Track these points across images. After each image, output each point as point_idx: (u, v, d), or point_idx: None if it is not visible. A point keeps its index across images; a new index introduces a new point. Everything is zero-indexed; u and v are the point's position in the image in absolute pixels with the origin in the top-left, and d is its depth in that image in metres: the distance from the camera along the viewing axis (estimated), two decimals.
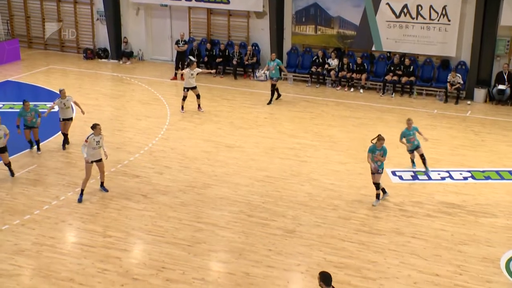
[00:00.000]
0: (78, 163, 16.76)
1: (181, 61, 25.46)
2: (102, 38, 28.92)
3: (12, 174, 16.07)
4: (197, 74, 21.22)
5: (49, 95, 22.82)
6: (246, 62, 25.63)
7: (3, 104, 21.77)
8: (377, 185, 14.64)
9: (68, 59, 28.49)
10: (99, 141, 14.77)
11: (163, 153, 17.72)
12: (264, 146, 18.35)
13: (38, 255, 12.50)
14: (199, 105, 21.32)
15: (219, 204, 14.75)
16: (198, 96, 21.23)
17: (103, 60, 28.55)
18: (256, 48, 26.05)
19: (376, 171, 14.45)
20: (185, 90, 21.11)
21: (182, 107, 21.21)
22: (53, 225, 13.74)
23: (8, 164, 16.05)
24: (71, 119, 18.00)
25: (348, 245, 12.94)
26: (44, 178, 15.95)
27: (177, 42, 25.75)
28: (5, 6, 29.93)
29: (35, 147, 17.80)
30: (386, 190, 14.98)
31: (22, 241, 12.98)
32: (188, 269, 12.07)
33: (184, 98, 21.13)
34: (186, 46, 25.79)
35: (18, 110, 21.06)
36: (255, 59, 25.70)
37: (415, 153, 16.40)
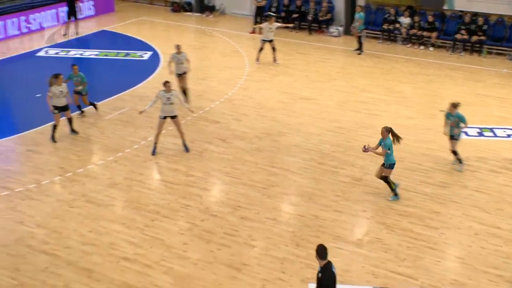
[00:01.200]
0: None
1: (260, 15, 25.26)
2: None
3: (72, 131, 15.46)
4: (276, 28, 21.03)
5: (140, 45, 23.21)
6: (321, 18, 25.16)
7: (99, 52, 22.28)
8: (454, 153, 13.82)
9: (156, 12, 28.74)
10: (169, 98, 14.09)
11: (241, 102, 17.81)
12: (337, 99, 18.14)
13: (129, 189, 12.97)
14: (274, 58, 21.20)
15: (292, 151, 14.79)
16: (274, 49, 21.09)
17: (188, 13, 28.66)
18: (331, 4, 25.50)
19: (450, 137, 13.69)
20: (262, 42, 21.02)
21: (257, 59, 21.16)
22: (141, 163, 14.15)
23: (70, 120, 15.40)
24: (183, 73, 17.10)
25: (413, 195, 12.78)
26: (134, 120, 16.36)
27: None
28: None
29: (82, 112, 16.62)
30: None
31: (116, 176, 13.46)
32: (262, 210, 12.25)
33: (261, 49, 21.06)
34: (265, 1, 25.52)
35: (112, 57, 21.65)
36: (329, 15, 25.16)
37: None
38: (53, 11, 25.22)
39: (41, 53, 22.07)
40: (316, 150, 14.82)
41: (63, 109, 15.00)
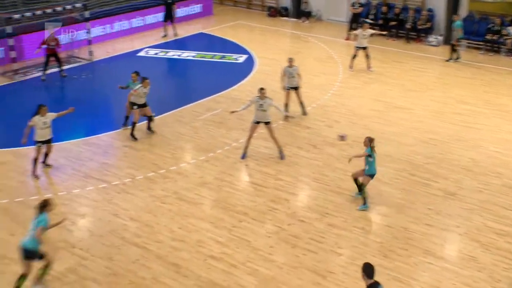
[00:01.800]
0: None
1: (356, 22, 25.02)
2: None
3: (149, 128, 15.53)
4: (369, 35, 20.76)
5: (236, 48, 23.59)
6: (419, 27, 24.57)
7: (196, 53, 22.84)
8: None
9: (254, 16, 29.12)
10: (262, 105, 14.05)
11: (334, 108, 17.70)
12: (433, 110, 17.64)
13: (219, 189, 13.19)
14: (369, 65, 20.93)
15: (383, 161, 14.49)
16: (367, 57, 20.82)
17: (284, 18, 28.82)
18: (431, 13, 24.84)
19: None
20: (356, 49, 20.80)
21: (351, 66, 20.95)
22: (232, 164, 14.36)
23: (149, 118, 15.42)
24: (297, 88, 16.70)
25: (511, 213, 12.20)
26: (226, 122, 16.63)
27: (353, 4, 25.28)
28: None
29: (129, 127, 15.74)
30: None
31: (206, 175, 13.73)
32: (350, 218, 12.11)
33: (354, 56, 20.85)
34: (361, 8, 25.25)
35: (208, 59, 22.13)
36: (429, 24, 24.54)
37: None
38: (155, 14, 26.09)
39: (142, 53, 22.90)
40: (408, 161, 14.48)
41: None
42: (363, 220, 12.05)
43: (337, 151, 14.97)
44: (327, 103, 18.06)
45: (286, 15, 28.89)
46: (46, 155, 13.82)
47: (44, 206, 9.61)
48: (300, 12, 28.37)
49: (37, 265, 9.80)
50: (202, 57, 22.42)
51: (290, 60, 16.61)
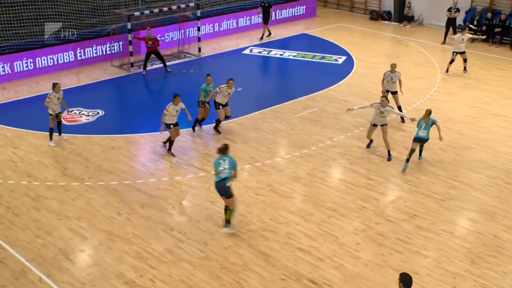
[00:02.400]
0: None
1: (452, 26, 24.07)
2: (388, 2, 28.49)
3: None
4: (467, 39, 19.88)
5: (336, 49, 23.37)
6: None
7: (297, 53, 22.85)
8: None
9: (355, 19, 28.71)
10: (382, 112, 13.94)
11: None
12: None
13: (311, 184, 13.16)
14: (465, 67, 20.09)
15: (476, 167, 13.91)
16: (465, 61, 20.00)
17: (386, 22, 28.19)
18: None
19: None
20: (454, 54, 20.00)
21: (447, 70, 20.17)
22: (324, 161, 14.27)
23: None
24: (395, 92, 16.37)
25: None
26: (322, 120, 16.54)
27: (449, 9, 24.32)
28: None
29: (197, 127, 15.87)
30: None
31: (299, 170, 13.74)
32: (438, 221, 11.71)
33: (452, 61, 20.06)
34: (457, 13, 24.22)
35: (308, 59, 22.09)
36: None
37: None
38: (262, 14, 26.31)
39: (246, 51, 23.22)
40: (503, 169, 13.76)
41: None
42: (452, 225, 11.61)
43: (429, 154, 14.49)
44: (422, 107, 17.47)
45: (388, 19, 28.26)
46: (171, 144, 14.36)
47: (226, 148, 11.02)
48: (403, 16, 27.65)
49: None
50: (303, 57, 22.40)
51: (393, 66, 16.24)
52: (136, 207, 12.12)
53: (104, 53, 21.51)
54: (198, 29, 22.61)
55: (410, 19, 27.48)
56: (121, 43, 21.44)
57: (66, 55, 20.71)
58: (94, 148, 14.75)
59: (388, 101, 14.22)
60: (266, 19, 24.84)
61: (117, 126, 16.32)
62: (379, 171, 13.70)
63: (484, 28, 24.17)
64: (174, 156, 14.31)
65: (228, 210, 11.27)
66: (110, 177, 13.29)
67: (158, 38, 21.17)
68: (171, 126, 14.17)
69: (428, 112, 13.46)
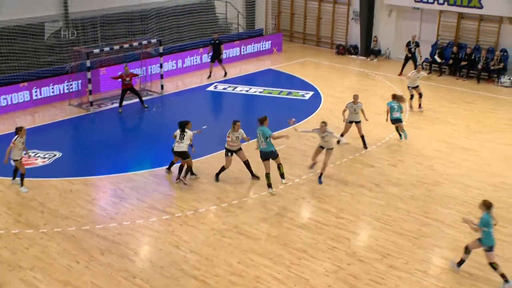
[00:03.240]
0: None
1: (412, 61, 24.88)
2: (354, 36, 29.15)
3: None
4: (422, 76, 20.70)
5: (303, 84, 23.67)
6: (492, 68, 23.94)
7: (263, 89, 23.04)
8: None
9: (322, 53, 29.21)
10: (324, 137, 14.83)
11: (398, 147, 17.39)
12: (501, 153, 17.03)
13: (279, 225, 13.10)
14: (419, 104, 20.70)
15: (447, 202, 14.09)
16: (420, 95, 20.64)
17: (353, 56, 28.77)
18: (505, 54, 24.16)
19: None
20: (410, 89, 20.69)
21: (411, 106, 20.72)
22: (294, 200, 14.27)
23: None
24: (358, 122, 17.15)
25: None
26: (290, 158, 16.59)
27: (407, 44, 25.01)
28: (275, 4, 31.49)
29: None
30: None
31: (267, 210, 13.68)
32: (411, 260, 11.74)
33: (411, 97, 20.67)
34: (418, 48, 25.03)
35: (275, 95, 22.27)
36: (502, 65, 23.87)
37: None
38: (226, 50, 26.53)
39: (211, 88, 23.31)
40: (475, 204, 13.88)
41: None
42: (426, 263, 11.66)
43: (400, 190, 14.64)
44: (391, 141, 17.75)
45: (355, 53, 28.84)
46: (181, 167, 14.89)
47: (265, 119, 14.29)
48: (369, 50, 28.27)
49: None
50: (269, 93, 22.60)
51: (355, 97, 16.89)
52: (95, 254, 11.85)
53: (62, 92, 21.33)
54: (161, 66, 22.64)
55: (377, 53, 28.10)
56: (79, 81, 21.33)
57: (20, 94, 20.47)
58: (50, 192, 14.48)
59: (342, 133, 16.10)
60: (217, 57, 24.28)
61: (75, 168, 16.09)
62: (349, 209, 13.75)
63: (450, 61, 24.84)
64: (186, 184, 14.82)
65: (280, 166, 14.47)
66: (67, 223, 13.02)
67: (135, 73, 21.26)
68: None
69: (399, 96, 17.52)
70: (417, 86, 20.60)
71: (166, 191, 14.68)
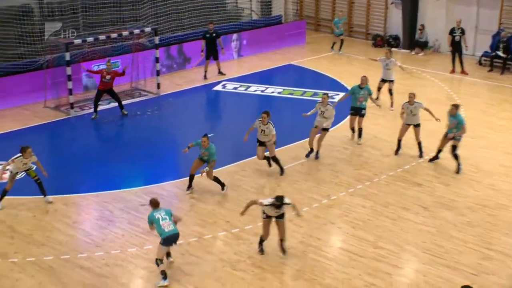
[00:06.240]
0: (353, 161, 17.26)
1: (458, 52, 25.02)
2: (395, 24, 29.23)
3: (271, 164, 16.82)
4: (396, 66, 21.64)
5: (331, 83, 23.74)
6: None
7: (283, 89, 23.15)
8: None
9: (355, 45, 29.34)
10: (323, 111, 17.11)
11: (452, 162, 17.33)
12: None
13: (304, 256, 13.13)
14: (391, 103, 21.28)
15: None
16: (390, 92, 21.36)
17: (393, 49, 28.78)
18: None
19: None
20: (381, 81, 21.52)
21: (392, 104, 21.41)
22: (321, 225, 14.31)
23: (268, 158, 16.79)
24: (417, 125, 17.80)
25: None
26: (317, 173, 16.64)
27: (451, 31, 25.06)
28: None
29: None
30: None
31: (289, 238, 13.65)
32: None
33: (379, 89, 21.71)
34: (463, 36, 25.17)
35: (297, 96, 22.35)
36: None
37: None
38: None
39: (218, 87, 23.45)
40: None
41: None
42: None
43: (454, 215, 14.63)
44: (443, 155, 17.72)
45: (396, 46, 28.90)
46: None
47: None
48: (414, 42, 28.32)
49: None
50: (290, 94, 22.70)
51: (411, 96, 17.43)
52: None
53: (35, 91, 21.51)
54: (157, 60, 22.81)
55: (423, 46, 28.14)
56: (57, 79, 21.50)
57: None
58: (21, 213, 14.62)
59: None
60: (213, 54, 24.27)
61: (53, 184, 16.14)
62: (390, 237, 13.75)
63: None
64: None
65: None
66: (43, 251, 13.13)
67: (121, 72, 20.67)
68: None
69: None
70: (391, 81, 21.19)
71: None
